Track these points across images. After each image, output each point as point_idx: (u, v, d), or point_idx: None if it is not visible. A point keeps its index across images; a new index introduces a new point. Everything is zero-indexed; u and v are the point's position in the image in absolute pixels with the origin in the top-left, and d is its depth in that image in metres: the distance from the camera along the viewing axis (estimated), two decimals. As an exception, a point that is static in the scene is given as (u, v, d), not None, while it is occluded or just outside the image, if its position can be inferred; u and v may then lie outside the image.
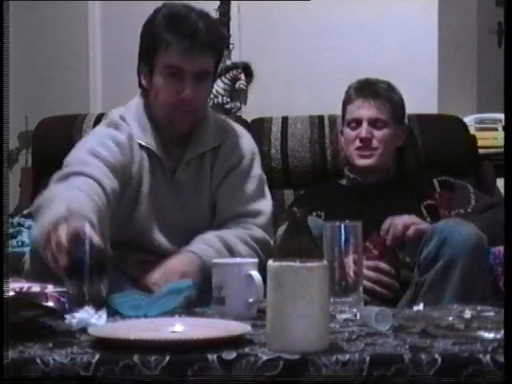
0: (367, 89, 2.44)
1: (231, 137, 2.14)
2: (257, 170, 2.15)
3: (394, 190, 2.38)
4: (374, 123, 2.40)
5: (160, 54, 2.00)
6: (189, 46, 1.96)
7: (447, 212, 2.33)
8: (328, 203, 2.37)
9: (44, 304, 1.39)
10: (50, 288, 1.44)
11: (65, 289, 1.45)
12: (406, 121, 2.60)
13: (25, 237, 2.46)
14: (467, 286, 1.94)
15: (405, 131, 2.51)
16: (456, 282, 1.94)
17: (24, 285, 1.44)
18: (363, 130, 2.39)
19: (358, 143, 2.40)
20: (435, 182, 2.40)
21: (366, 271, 2.09)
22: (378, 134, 2.40)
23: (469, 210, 2.32)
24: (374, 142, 2.40)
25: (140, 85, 2.11)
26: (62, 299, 1.42)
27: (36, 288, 1.43)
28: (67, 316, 1.42)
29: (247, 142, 2.17)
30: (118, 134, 2.05)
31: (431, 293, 1.96)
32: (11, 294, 1.38)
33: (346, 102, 2.47)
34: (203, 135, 2.09)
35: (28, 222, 2.50)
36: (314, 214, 2.30)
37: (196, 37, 1.96)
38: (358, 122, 2.42)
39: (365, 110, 2.42)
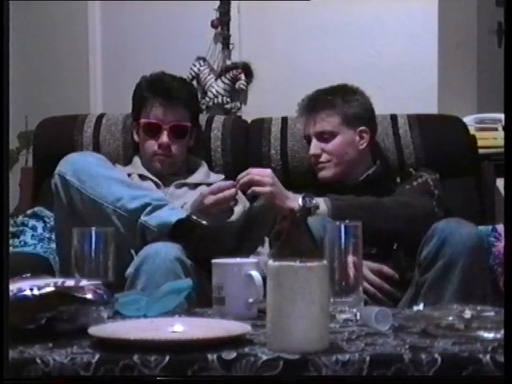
0: (310, 104, 2.49)
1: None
2: None
3: (375, 191, 2.34)
4: (321, 137, 2.44)
5: (142, 110, 2.48)
6: (163, 100, 2.44)
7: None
8: None
9: (83, 297, 1.40)
10: (84, 282, 1.45)
11: (98, 281, 1.47)
12: (404, 120, 2.60)
13: (28, 237, 2.46)
14: (467, 285, 1.94)
15: (368, 132, 2.47)
16: (456, 281, 1.94)
17: (58, 280, 1.44)
18: (312, 147, 2.45)
19: (312, 159, 2.47)
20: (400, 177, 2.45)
21: (369, 274, 2.09)
22: (327, 146, 2.43)
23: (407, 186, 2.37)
24: (324, 156, 2.43)
25: (133, 140, 2.59)
26: (99, 291, 1.43)
27: (70, 282, 1.44)
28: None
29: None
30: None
31: (431, 293, 1.96)
32: (51, 288, 1.38)
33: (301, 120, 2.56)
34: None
35: (32, 222, 2.50)
36: None
37: (170, 93, 2.45)
38: (308, 139, 2.48)
39: (309, 126, 2.47)
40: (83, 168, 2.10)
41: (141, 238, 2.04)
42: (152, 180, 2.45)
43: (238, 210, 2.32)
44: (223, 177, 2.57)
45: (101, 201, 2.06)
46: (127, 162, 2.62)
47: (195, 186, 2.50)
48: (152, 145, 2.47)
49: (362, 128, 2.46)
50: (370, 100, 2.52)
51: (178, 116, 2.48)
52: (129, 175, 2.42)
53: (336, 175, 2.44)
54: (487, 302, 1.82)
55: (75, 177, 2.08)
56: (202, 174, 2.56)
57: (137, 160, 2.56)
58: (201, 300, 1.85)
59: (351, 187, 2.41)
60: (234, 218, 2.26)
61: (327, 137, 2.43)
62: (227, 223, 2.16)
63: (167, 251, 1.94)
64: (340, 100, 2.45)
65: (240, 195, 2.39)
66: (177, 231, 2.00)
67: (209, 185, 2.47)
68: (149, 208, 2.04)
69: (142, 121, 2.48)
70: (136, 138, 2.56)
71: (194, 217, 2.04)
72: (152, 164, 2.49)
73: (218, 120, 2.76)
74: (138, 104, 2.52)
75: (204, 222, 2.03)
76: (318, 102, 2.46)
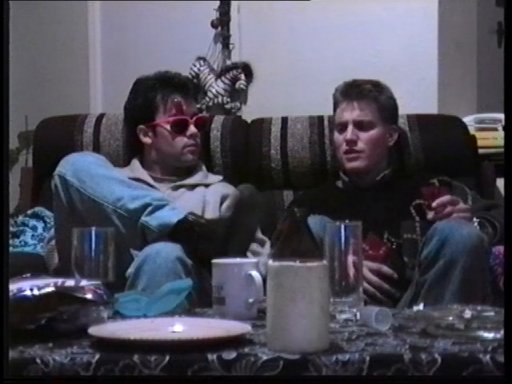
0: (351, 90, 2.45)
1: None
2: None
3: (388, 193, 2.39)
4: (359, 125, 2.41)
5: (158, 109, 2.48)
6: (183, 95, 2.48)
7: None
8: (324, 205, 2.37)
9: (83, 297, 1.40)
10: (84, 282, 1.45)
11: (98, 281, 1.47)
12: (404, 120, 2.61)
13: (28, 237, 2.46)
14: (468, 285, 1.94)
15: (396, 130, 2.51)
16: (456, 281, 1.94)
17: (58, 280, 1.44)
18: (348, 133, 2.40)
19: (344, 146, 2.42)
20: (435, 181, 2.40)
21: (368, 273, 2.09)
22: (363, 135, 2.41)
23: None
24: (360, 144, 2.41)
25: (136, 143, 2.55)
26: (99, 291, 1.43)
27: (70, 282, 1.44)
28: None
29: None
30: None
31: (431, 293, 1.96)
32: (51, 288, 1.38)
33: (335, 106, 2.50)
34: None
35: (32, 222, 2.50)
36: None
37: (187, 87, 2.54)
38: (344, 125, 2.43)
39: (348, 112, 2.43)
40: (83, 168, 2.10)
41: (141, 239, 2.04)
42: (148, 184, 2.41)
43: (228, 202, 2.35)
44: (221, 177, 2.57)
45: (101, 201, 2.06)
46: (128, 162, 2.61)
47: (193, 187, 2.50)
48: (181, 140, 2.48)
49: (394, 126, 2.49)
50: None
51: (195, 109, 2.57)
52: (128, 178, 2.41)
53: (366, 167, 2.43)
54: (488, 302, 1.82)
55: (75, 177, 2.08)
56: (199, 175, 2.55)
57: (135, 162, 2.55)
58: (201, 300, 1.85)
59: (367, 186, 2.44)
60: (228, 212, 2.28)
61: (366, 126, 2.42)
62: (224, 218, 2.18)
63: (168, 251, 1.94)
64: (378, 93, 2.45)
65: (228, 186, 2.42)
66: (177, 231, 2.01)
67: (207, 185, 2.48)
68: (149, 208, 2.04)
69: (170, 119, 2.47)
70: (147, 139, 2.51)
71: (192, 216, 2.04)
72: (182, 158, 2.49)
73: (218, 120, 2.76)
74: (151, 104, 2.49)
75: (202, 221, 2.04)
76: (360, 90, 2.44)
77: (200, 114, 2.59)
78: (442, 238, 1.95)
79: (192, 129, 2.48)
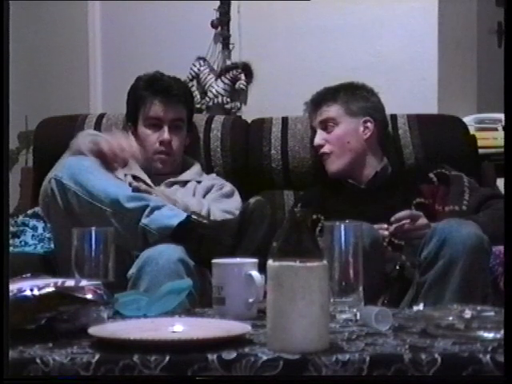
0: (314, 98, 2.54)
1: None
2: None
3: (388, 191, 2.38)
4: (324, 127, 2.49)
5: (141, 109, 2.49)
6: (163, 98, 2.47)
7: (441, 208, 2.33)
8: (325, 204, 2.37)
9: (83, 297, 1.40)
10: (84, 282, 1.45)
11: (98, 282, 1.46)
12: (404, 120, 2.61)
13: (28, 237, 2.46)
14: (467, 286, 1.94)
15: (372, 122, 2.50)
16: (456, 282, 1.93)
17: (58, 280, 1.43)
18: (316, 138, 2.51)
19: (316, 151, 2.53)
20: (432, 175, 2.40)
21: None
22: (329, 136, 2.49)
23: (463, 207, 2.32)
24: (327, 146, 2.48)
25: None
26: (99, 291, 1.42)
27: (70, 282, 1.43)
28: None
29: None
30: None
31: (431, 293, 1.96)
32: (51, 289, 1.38)
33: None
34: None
35: (32, 222, 2.49)
36: (314, 216, 2.30)
37: (169, 91, 2.49)
38: (314, 131, 2.53)
39: (313, 117, 2.53)
40: (79, 172, 2.10)
41: (142, 241, 2.04)
42: (144, 182, 2.42)
43: (235, 206, 2.33)
44: (215, 175, 2.59)
45: (99, 204, 2.06)
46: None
47: (185, 183, 2.50)
48: (153, 142, 2.48)
49: (366, 118, 2.48)
50: (378, 96, 2.56)
51: (177, 113, 2.52)
52: (124, 175, 2.42)
53: (343, 169, 2.46)
54: (488, 302, 1.82)
55: (72, 180, 2.08)
56: (193, 172, 2.56)
57: (132, 161, 2.55)
58: (203, 301, 1.85)
59: (364, 185, 2.45)
60: (231, 216, 2.27)
61: (330, 126, 2.46)
62: (227, 221, 2.17)
63: (170, 253, 1.95)
64: (343, 93, 2.49)
65: (234, 190, 2.42)
66: (178, 233, 2.00)
67: (199, 182, 2.49)
68: (148, 210, 2.04)
69: (144, 116, 2.49)
70: (134, 136, 2.53)
71: (195, 217, 2.04)
72: (153, 164, 2.49)
73: (218, 120, 2.75)
74: (136, 104, 2.53)
75: (205, 221, 2.04)
76: (321, 95, 2.52)
77: (179, 118, 2.52)
78: (442, 239, 1.95)
79: (165, 134, 2.47)
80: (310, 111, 2.57)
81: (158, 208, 2.05)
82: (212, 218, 2.24)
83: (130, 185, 2.25)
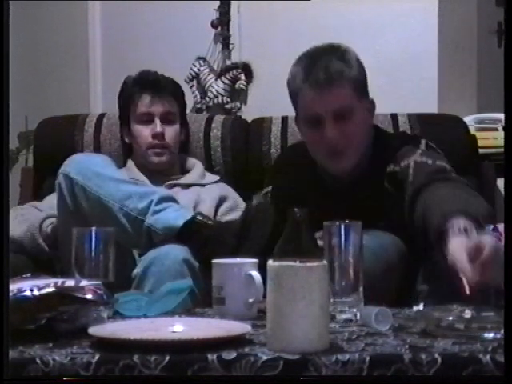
0: (318, 75, 1.95)
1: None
2: None
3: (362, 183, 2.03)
4: (338, 116, 1.95)
5: (131, 107, 2.49)
6: (151, 92, 2.47)
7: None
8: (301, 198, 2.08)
9: (83, 297, 1.40)
10: (84, 282, 1.45)
11: (98, 282, 1.46)
12: (405, 119, 2.59)
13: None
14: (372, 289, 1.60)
15: (372, 102, 2.08)
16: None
17: (58, 280, 1.43)
18: (329, 130, 1.94)
19: (325, 146, 1.98)
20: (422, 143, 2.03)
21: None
22: (346, 128, 1.96)
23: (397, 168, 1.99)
24: (343, 140, 1.97)
25: (123, 143, 2.59)
26: (99, 291, 1.42)
27: (70, 282, 1.43)
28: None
29: None
30: None
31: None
32: (51, 289, 1.38)
33: (295, 95, 2.02)
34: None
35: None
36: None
37: (157, 84, 2.49)
38: (317, 120, 1.97)
39: (321, 102, 1.95)
40: (89, 167, 2.10)
41: (147, 240, 2.04)
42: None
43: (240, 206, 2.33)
44: (218, 177, 2.57)
45: (107, 198, 2.06)
46: (125, 163, 2.61)
47: (188, 186, 2.50)
48: (146, 137, 2.47)
49: (369, 98, 2.04)
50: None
51: (167, 105, 2.50)
52: None
53: (355, 167, 2.01)
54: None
55: (80, 175, 2.07)
56: (195, 174, 2.55)
57: (130, 163, 2.55)
58: (207, 301, 1.85)
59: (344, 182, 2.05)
60: (235, 217, 2.27)
61: (345, 116, 1.95)
62: (231, 222, 2.17)
63: (176, 253, 1.95)
64: (350, 68, 1.97)
65: (236, 197, 2.41)
66: (183, 233, 2.01)
67: (202, 185, 2.47)
68: (154, 209, 2.03)
69: (135, 112, 2.48)
70: (127, 139, 2.56)
71: (200, 217, 2.04)
72: (148, 159, 2.48)
73: (218, 120, 2.75)
74: (127, 102, 2.52)
75: (210, 222, 2.04)
76: (329, 74, 1.94)
77: (169, 110, 2.50)
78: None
79: (157, 127, 2.46)
80: (306, 90, 1.96)
81: (164, 208, 2.04)
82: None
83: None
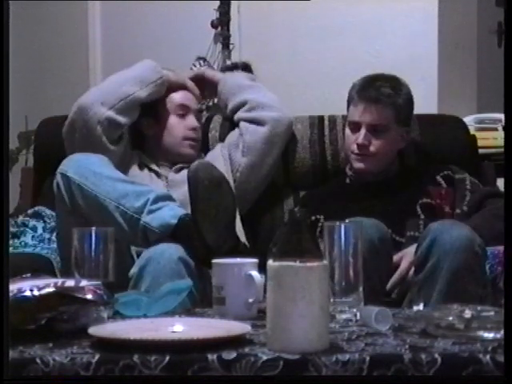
0: (369, 92, 2.36)
1: None
2: None
3: (394, 188, 2.38)
4: (373, 129, 2.35)
5: (167, 99, 2.51)
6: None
7: (451, 210, 2.33)
8: (329, 203, 2.37)
9: (83, 297, 1.40)
10: (84, 282, 1.45)
11: (98, 282, 1.46)
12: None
13: (28, 238, 2.45)
14: (454, 287, 1.92)
15: (409, 132, 2.47)
16: (442, 283, 1.92)
17: (58, 280, 1.44)
18: (361, 137, 2.35)
19: (355, 148, 2.37)
20: (439, 178, 2.40)
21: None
22: (376, 140, 2.36)
23: (464, 208, 2.32)
24: (372, 149, 2.36)
25: (136, 136, 2.54)
26: (99, 291, 1.42)
27: (70, 282, 1.43)
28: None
29: None
30: None
31: (421, 293, 1.95)
32: (51, 289, 1.38)
33: (349, 102, 2.42)
34: None
35: (32, 222, 2.49)
36: (313, 217, 2.30)
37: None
38: (357, 126, 2.37)
39: (365, 115, 2.35)
40: (86, 166, 2.10)
41: (143, 239, 2.04)
42: (150, 168, 2.44)
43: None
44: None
45: (103, 197, 2.06)
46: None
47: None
48: (181, 130, 2.49)
49: (407, 128, 2.45)
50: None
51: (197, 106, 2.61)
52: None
53: (374, 169, 2.39)
54: (486, 303, 1.81)
55: (78, 174, 2.08)
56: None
57: (135, 155, 2.54)
58: (204, 300, 1.85)
59: (373, 183, 2.42)
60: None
61: (380, 130, 2.36)
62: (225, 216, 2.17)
63: (172, 252, 1.95)
64: (396, 97, 2.37)
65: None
66: (179, 231, 2.01)
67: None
68: (150, 207, 2.04)
69: (175, 102, 2.51)
70: (150, 131, 2.52)
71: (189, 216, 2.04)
72: (182, 150, 2.49)
73: (217, 120, 2.75)
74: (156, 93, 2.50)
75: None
76: (379, 94, 2.35)
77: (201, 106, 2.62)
78: (432, 239, 1.94)
79: (193, 120, 2.50)
80: (355, 102, 2.38)
81: (160, 207, 2.05)
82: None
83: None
